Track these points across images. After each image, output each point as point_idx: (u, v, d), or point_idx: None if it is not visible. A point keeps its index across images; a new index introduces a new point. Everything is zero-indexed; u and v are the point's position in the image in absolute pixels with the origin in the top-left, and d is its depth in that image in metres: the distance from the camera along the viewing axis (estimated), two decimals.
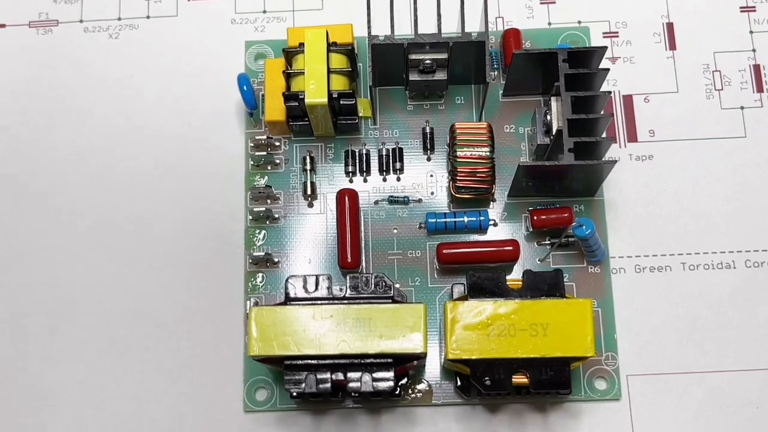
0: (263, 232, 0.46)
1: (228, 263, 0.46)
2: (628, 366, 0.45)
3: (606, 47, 0.43)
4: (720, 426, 0.44)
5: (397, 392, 0.43)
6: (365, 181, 0.47)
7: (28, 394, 0.45)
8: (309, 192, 0.46)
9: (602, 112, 0.42)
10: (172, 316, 0.46)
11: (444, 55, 0.44)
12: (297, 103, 0.44)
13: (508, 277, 0.41)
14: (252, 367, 0.45)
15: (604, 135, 0.43)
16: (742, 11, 0.50)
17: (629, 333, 0.45)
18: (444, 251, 0.44)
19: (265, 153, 0.46)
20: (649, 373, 0.45)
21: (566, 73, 0.42)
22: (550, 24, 0.50)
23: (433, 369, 0.45)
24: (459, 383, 0.43)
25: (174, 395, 0.45)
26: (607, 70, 0.43)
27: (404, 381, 0.43)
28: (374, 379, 0.39)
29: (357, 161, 0.47)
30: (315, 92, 0.43)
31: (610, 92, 0.42)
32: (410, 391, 0.44)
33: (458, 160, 0.44)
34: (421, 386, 0.44)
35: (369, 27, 0.43)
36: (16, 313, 0.46)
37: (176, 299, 0.46)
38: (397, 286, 0.45)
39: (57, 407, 0.45)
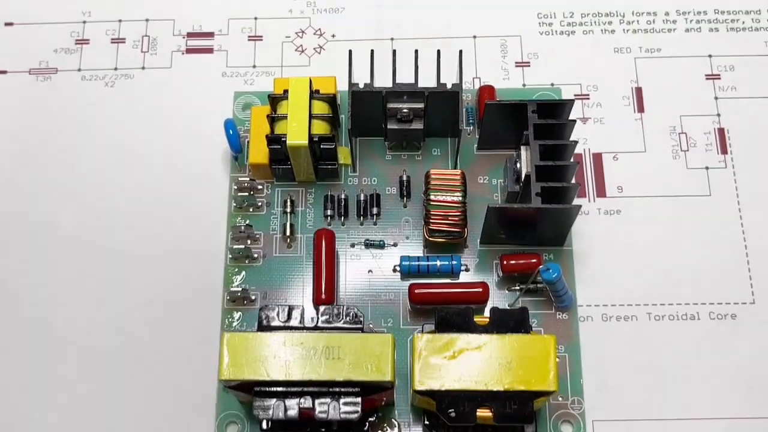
0: (242, 271, 0.48)
1: (206, 300, 0.48)
2: (593, 411, 0.46)
3: (573, 100, 0.45)
4: None
5: (365, 428, 0.44)
6: (343, 224, 0.48)
7: (4, 427, 0.46)
8: (288, 233, 0.48)
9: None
10: (150, 349, 0.47)
11: (420, 105, 0.46)
12: (279, 146, 0.46)
13: (476, 317, 0.43)
14: (225, 401, 0.45)
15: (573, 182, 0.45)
16: (707, 79, 0.52)
17: (596, 379, 0.46)
18: (416, 291, 0.46)
19: (247, 194, 0.48)
20: (614, 419, 0.46)
21: (535, 123, 0.45)
22: (524, 85, 0.52)
23: (402, 411, 0.45)
24: (427, 422, 0.44)
25: (148, 427, 0.46)
26: (575, 121, 0.45)
27: (372, 418, 0.44)
28: (342, 408, 0.40)
29: (336, 205, 0.49)
30: (296, 134, 0.45)
31: (576, 141, 0.44)
32: (379, 430, 0.45)
33: (431, 203, 0.46)
34: (390, 428, 0.45)
35: (350, 75, 0.46)
36: None
37: (155, 334, 0.47)
38: (371, 325, 0.46)
39: None
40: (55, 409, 0.46)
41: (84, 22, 0.54)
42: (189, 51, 0.53)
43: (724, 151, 0.51)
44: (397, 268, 0.47)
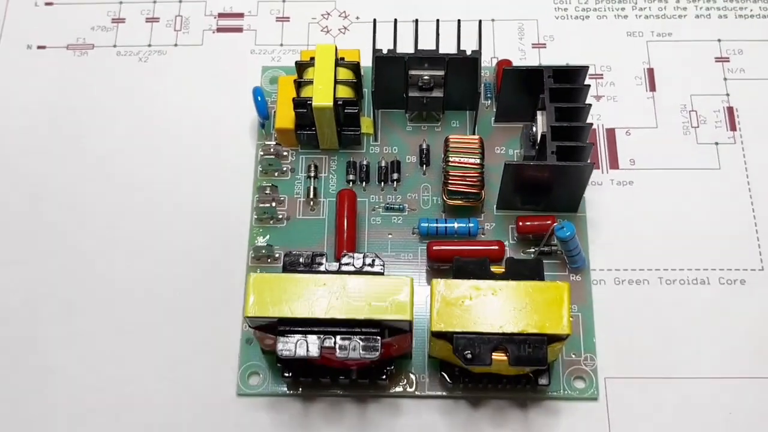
0: (267, 233, 0.50)
1: (233, 258, 0.49)
2: (606, 369, 0.47)
3: (588, 67, 0.47)
4: (694, 429, 0.46)
5: (383, 377, 0.45)
6: (364, 189, 0.50)
7: (37, 374, 0.47)
8: (311, 196, 0.50)
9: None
10: (178, 305, 0.49)
11: (441, 72, 0.49)
12: (305, 109, 0.48)
13: (492, 267, 0.44)
14: (247, 353, 0.47)
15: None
16: (716, 61, 0.54)
17: (608, 339, 0.47)
18: (434, 248, 0.47)
19: (273, 157, 0.50)
20: (626, 376, 0.47)
21: (551, 87, 0.47)
22: (540, 64, 0.54)
23: (419, 364, 0.47)
24: (443, 372, 0.45)
25: (174, 378, 0.47)
26: (589, 86, 0.47)
27: (390, 368, 0.45)
28: (362, 348, 0.41)
29: (357, 171, 0.50)
30: (322, 96, 0.47)
31: (590, 104, 0.46)
32: (396, 381, 0.46)
33: (450, 164, 0.48)
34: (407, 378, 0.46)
35: (374, 41, 0.48)
36: (30, 299, 0.49)
37: (182, 290, 0.49)
38: None
39: (63, 387, 0.47)
40: (86, 358, 0.47)
41: (120, 2, 0.57)
42: (219, 30, 0.56)
43: (733, 128, 0.52)
44: (416, 230, 0.49)
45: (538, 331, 0.42)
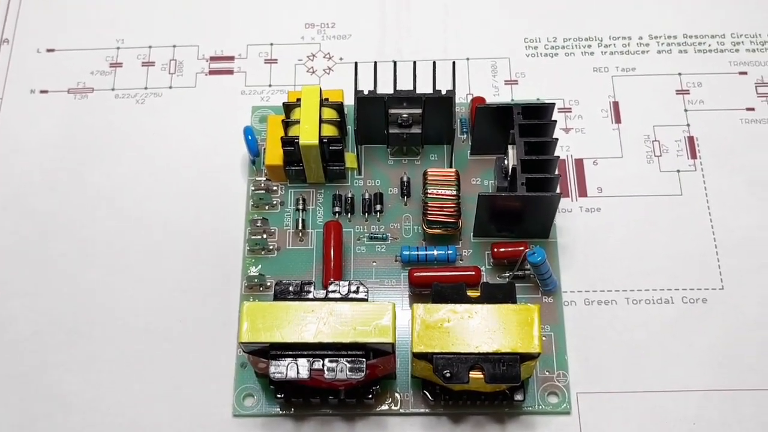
0: (259, 263, 0.53)
1: (227, 288, 0.52)
2: (577, 384, 0.50)
3: (554, 104, 0.51)
4: None
5: (369, 397, 0.48)
6: (350, 220, 0.54)
7: (46, 399, 0.50)
8: (300, 228, 0.53)
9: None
10: (176, 331, 0.52)
11: (418, 110, 0.52)
12: (293, 147, 0.52)
13: (468, 291, 0.48)
14: (242, 376, 0.50)
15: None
16: (677, 94, 0.58)
17: (579, 356, 0.51)
18: (415, 274, 0.51)
19: (264, 192, 0.53)
20: (596, 391, 0.50)
21: (520, 123, 0.50)
22: (512, 99, 0.58)
23: (403, 384, 0.50)
24: (425, 390, 0.49)
25: (174, 400, 0.50)
26: (555, 121, 0.50)
27: (376, 387, 0.49)
28: (348, 369, 0.45)
29: (343, 203, 0.54)
30: (308, 135, 0.51)
31: (557, 138, 0.50)
32: (382, 400, 0.49)
33: (429, 196, 0.51)
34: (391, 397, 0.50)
35: (356, 83, 0.52)
36: (39, 328, 0.52)
37: (180, 317, 0.52)
38: None
39: (70, 410, 0.50)
40: (90, 382, 0.50)
41: (118, 48, 0.60)
42: (212, 72, 0.59)
43: (693, 156, 0.56)
44: (398, 258, 0.52)
45: (511, 350, 0.45)
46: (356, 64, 0.53)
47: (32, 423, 0.50)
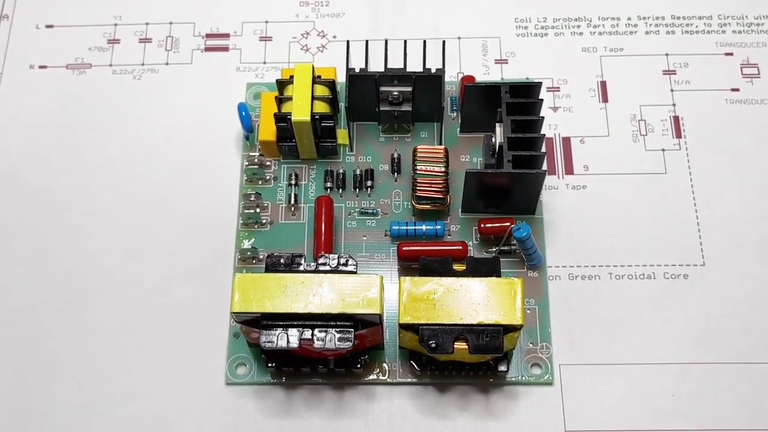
0: (252, 236, 0.54)
1: (221, 259, 0.54)
2: (560, 356, 0.51)
3: (541, 83, 0.52)
4: (640, 410, 0.50)
5: (358, 366, 0.50)
6: (341, 195, 0.55)
7: (41, 368, 0.52)
8: (292, 203, 0.55)
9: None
10: (170, 302, 0.53)
11: (409, 88, 0.53)
12: (285, 123, 0.53)
13: (454, 265, 0.49)
14: (235, 346, 0.52)
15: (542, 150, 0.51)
16: (664, 74, 0.59)
17: (562, 329, 0.52)
18: (404, 248, 0.52)
19: (257, 167, 0.55)
20: (578, 363, 0.51)
21: (507, 101, 0.51)
22: (502, 79, 0.59)
23: (391, 354, 0.51)
24: (412, 360, 0.50)
25: (169, 369, 0.52)
26: (542, 100, 0.52)
27: (364, 357, 0.50)
28: (337, 339, 0.46)
29: (335, 179, 0.55)
30: (300, 111, 0.52)
31: (543, 117, 0.51)
32: (370, 369, 0.51)
33: (418, 173, 0.53)
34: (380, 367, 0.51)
35: (348, 61, 0.53)
36: (35, 299, 0.53)
37: (174, 289, 0.53)
38: None
39: (65, 380, 0.51)
40: (85, 353, 0.52)
41: (115, 24, 0.61)
42: (207, 49, 0.61)
43: (678, 135, 0.57)
44: (388, 232, 0.54)
45: (494, 322, 0.46)
46: (348, 42, 0.54)
47: (27, 391, 0.51)
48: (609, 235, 0.54)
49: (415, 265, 0.52)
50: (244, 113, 0.55)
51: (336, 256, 0.48)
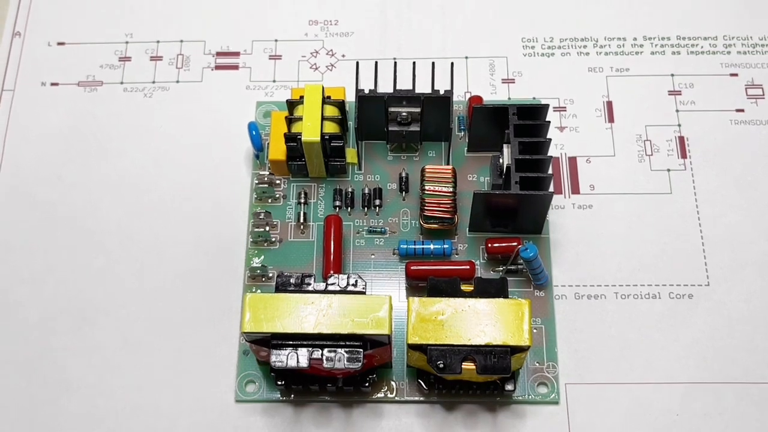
0: (262, 254, 0.55)
1: (231, 277, 0.54)
2: (566, 375, 0.52)
3: (548, 105, 0.53)
4: (645, 429, 0.51)
5: (366, 385, 0.50)
6: (350, 214, 0.56)
7: (51, 383, 0.52)
8: (301, 221, 0.55)
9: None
10: (180, 320, 0.54)
11: (417, 109, 0.54)
12: (295, 143, 0.54)
13: (462, 286, 0.49)
14: (244, 363, 0.52)
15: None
16: (670, 94, 0.60)
17: (569, 348, 0.53)
18: (412, 267, 0.53)
19: (267, 186, 0.55)
20: (584, 382, 0.52)
21: (515, 123, 0.52)
22: (509, 98, 0.60)
23: (398, 372, 0.52)
24: (420, 379, 0.51)
25: (177, 386, 0.52)
26: (549, 122, 0.52)
27: (373, 376, 0.51)
28: (346, 359, 0.47)
29: (343, 198, 0.56)
30: (310, 132, 0.53)
31: (550, 139, 0.52)
32: (378, 388, 0.52)
33: (426, 193, 0.53)
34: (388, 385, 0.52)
35: (357, 82, 0.53)
36: (46, 315, 0.54)
37: (184, 307, 0.54)
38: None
39: (74, 395, 0.52)
40: (95, 368, 0.52)
41: (126, 42, 0.62)
42: (218, 68, 0.61)
43: (683, 155, 0.58)
44: (396, 251, 0.54)
45: (502, 343, 0.47)
46: (357, 63, 0.54)
47: (37, 407, 0.52)
48: (615, 254, 0.55)
49: (422, 283, 0.52)
50: (254, 133, 0.56)
51: (345, 276, 0.48)
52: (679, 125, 0.59)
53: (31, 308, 0.54)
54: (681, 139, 0.58)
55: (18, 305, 0.54)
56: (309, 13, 0.63)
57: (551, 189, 0.52)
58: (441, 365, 0.47)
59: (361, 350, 0.47)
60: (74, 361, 0.53)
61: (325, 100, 0.54)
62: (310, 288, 0.48)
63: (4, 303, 0.54)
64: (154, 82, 0.61)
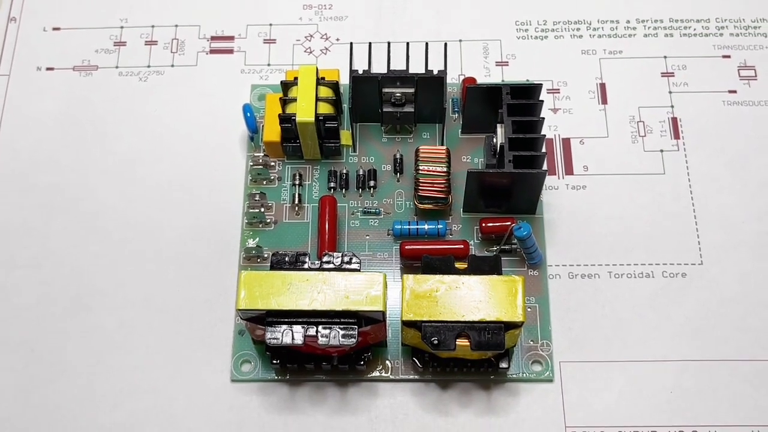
0: (257, 235, 0.55)
1: (226, 258, 0.55)
2: (560, 353, 0.52)
3: (542, 84, 0.53)
4: (639, 406, 0.51)
5: (361, 363, 0.51)
6: (344, 195, 0.56)
7: (49, 365, 0.52)
8: (296, 202, 0.55)
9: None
10: (176, 301, 0.54)
11: (411, 90, 0.54)
12: (290, 124, 0.54)
13: (456, 263, 0.50)
14: (239, 343, 0.52)
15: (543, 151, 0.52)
16: (662, 76, 0.60)
17: (562, 327, 0.53)
18: (406, 246, 0.53)
19: (262, 167, 0.56)
20: (578, 360, 0.52)
21: (508, 103, 0.52)
22: (503, 81, 0.60)
23: (393, 350, 0.52)
24: (414, 357, 0.51)
25: (173, 366, 0.52)
26: (542, 101, 0.52)
27: (367, 354, 0.51)
28: (341, 336, 0.47)
29: (338, 179, 0.56)
30: (304, 112, 0.53)
31: (543, 118, 0.52)
32: (373, 366, 0.52)
33: (421, 173, 0.53)
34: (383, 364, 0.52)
35: (351, 63, 0.54)
36: (43, 298, 0.54)
37: (180, 288, 0.54)
38: None
39: (72, 376, 0.52)
40: (93, 350, 0.53)
41: (121, 27, 0.62)
42: (212, 52, 0.61)
43: (676, 136, 0.58)
44: (390, 232, 0.55)
45: (496, 319, 0.47)
46: (351, 44, 0.55)
47: (35, 388, 0.52)
48: (608, 234, 0.55)
49: (417, 263, 0.52)
50: (249, 114, 0.56)
51: (340, 254, 0.49)
52: (672, 106, 0.59)
53: (28, 291, 0.54)
54: (674, 120, 0.58)
55: (14, 288, 0.54)
56: None
57: (545, 167, 0.52)
58: (435, 341, 0.47)
59: (356, 327, 0.47)
60: (71, 343, 0.53)
61: (320, 82, 0.55)
62: (305, 266, 0.48)
63: (1, 286, 0.54)
64: (149, 67, 0.61)
